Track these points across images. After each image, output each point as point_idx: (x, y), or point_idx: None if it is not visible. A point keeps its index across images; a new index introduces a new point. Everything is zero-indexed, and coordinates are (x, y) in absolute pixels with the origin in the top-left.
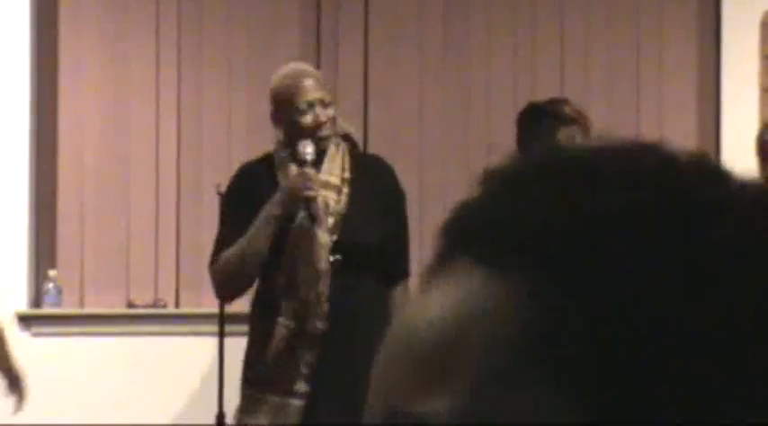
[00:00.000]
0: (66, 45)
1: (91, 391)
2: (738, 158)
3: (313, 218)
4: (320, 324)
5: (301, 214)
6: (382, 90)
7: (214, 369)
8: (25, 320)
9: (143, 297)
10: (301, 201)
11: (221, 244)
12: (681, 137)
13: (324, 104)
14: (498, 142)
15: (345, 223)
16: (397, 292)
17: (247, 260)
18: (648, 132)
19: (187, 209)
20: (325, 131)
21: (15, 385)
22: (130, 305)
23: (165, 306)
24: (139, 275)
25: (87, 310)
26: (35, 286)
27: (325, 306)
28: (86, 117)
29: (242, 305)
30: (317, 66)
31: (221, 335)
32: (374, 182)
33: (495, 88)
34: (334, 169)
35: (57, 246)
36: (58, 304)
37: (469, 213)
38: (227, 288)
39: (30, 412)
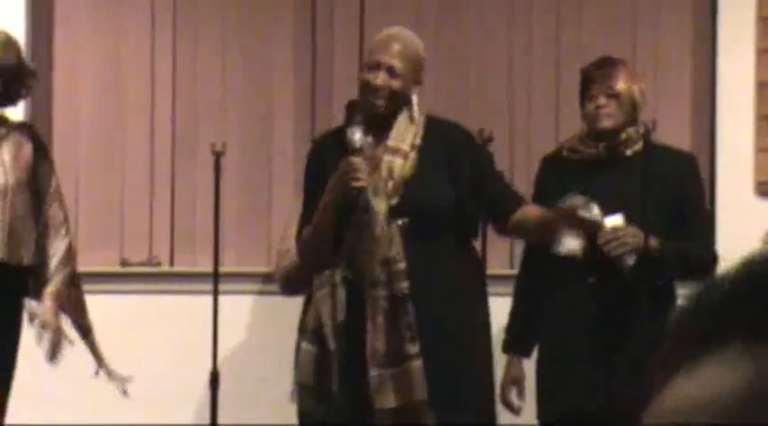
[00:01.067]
0: (61, 2)
1: (84, 350)
2: (732, 132)
3: (366, 206)
4: (404, 284)
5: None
6: None
7: (208, 328)
8: None
9: (137, 255)
10: (349, 191)
11: (302, 218)
12: (675, 119)
13: (392, 73)
14: (493, 117)
15: (408, 187)
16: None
17: (319, 241)
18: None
19: (182, 168)
20: (378, 100)
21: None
22: (124, 263)
23: (159, 265)
24: (134, 233)
25: (81, 268)
26: None
27: (401, 266)
28: (81, 75)
29: (235, 262)
30: (313, 33)
31: (215, 294)
32: (445, 149)
33: (489, 49)
34: (407, 136)
35: None
36: None
37: (738, 294)
38: (309, 261)
39: (21, 369)
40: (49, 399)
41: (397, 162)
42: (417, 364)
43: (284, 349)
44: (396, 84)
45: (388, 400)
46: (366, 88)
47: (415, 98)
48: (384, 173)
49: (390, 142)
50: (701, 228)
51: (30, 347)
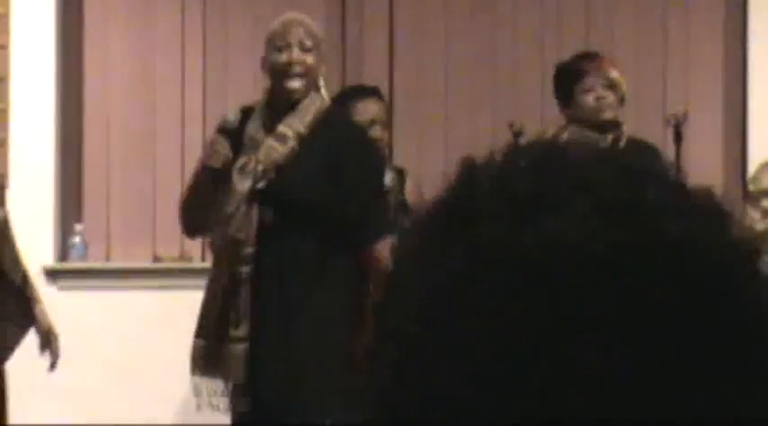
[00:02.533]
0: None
1: (117, 345)
2: (764, 122)
3: (223, 180)
4: (245, 268)
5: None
6: (408, 42)
7: None
8: (51, 274)
9: (169, 250)
10: (209, 163)
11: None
12: (708, 112)
13: (304, 48)
14: (524, 111)
15: (278, 174)
16: (379, 248)
17: (196, 206)
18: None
19: None
20: (294, 79)
21: (48, 343)
22: (156, 259)
23: (190, 260)
24: (165, 229)
25: (113, 264)
26: (61, 240)
27: (246, 251)
28: (112, 69)
29: None
30: (342, 18)
31: None
32: (331, 143)
33: (521, 42)
34: (294, 123)
35: (83, 200)
36: (84, 258)
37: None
38: (186, 222)
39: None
40: (80, 391)
41: (276, 147)
42: (238, 347)
43: None
44: (309, 59)
45: (212, 372)
46: (280, 68)
47: (321, 81)
48: (261, 155)
49: (280, 127)
50: None
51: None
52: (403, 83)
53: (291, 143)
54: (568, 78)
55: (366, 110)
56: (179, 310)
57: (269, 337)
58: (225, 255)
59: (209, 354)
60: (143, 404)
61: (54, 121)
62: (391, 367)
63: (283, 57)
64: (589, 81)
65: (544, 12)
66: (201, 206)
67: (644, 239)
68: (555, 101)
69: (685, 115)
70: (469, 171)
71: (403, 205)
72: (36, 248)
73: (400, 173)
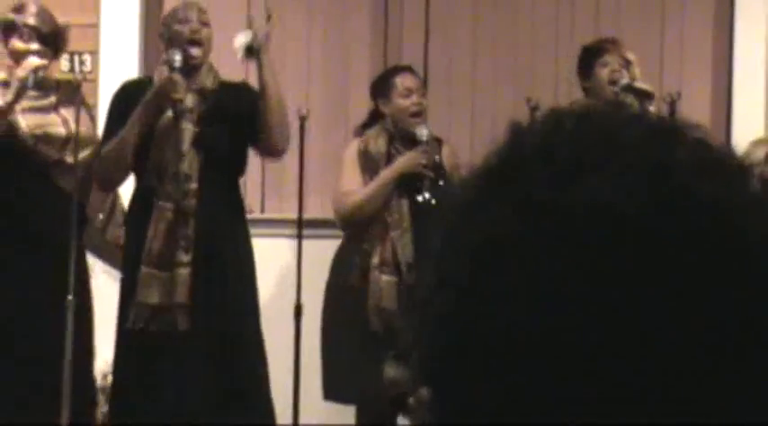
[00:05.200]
0: None
1: None
2: (747, 113)
3: (177, 116)
4: (191, 201)
5: (168, 113)
6: (441, 29)
7: (293, 267)
8: None
9: None
10: (168, 101)
11: (104, 141)
12: (697, 92)
13: (203, 21)
14: (540, 89)
15: (206, 121)
16: None
17: (121, 149)
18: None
19: None
20: (195, 47)
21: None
22: None
23: (252, 212)
24: None
25: None
26: None
27: (192, 186)
28: None
29: (318, 210)
30: (385, 14)
31: (300, 237)
32: (235, 98)
33: (538, 29)
34: (208, 80)
35: None
36: None
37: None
38: (105, 175)
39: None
40: None
41: (199, 99)
42: (185, 271)
43: None
44: (206, 31)
45: (151, 296)
46: (183, 35)
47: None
48: (190, 105)
49: (198, 81)
50: None
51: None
52: (436, 64)
53: (211, 97)
54: (590, 54)
55: (403, 83)
56: None
57: (209, 263)
58: (172, 190)
59: (151, 278)
60: None
61: None
62: (445, 310)
63: (185, 28)
64: (607, 57)
65: (558, 2)
66: (129, 152)
67: (674, 197)
68: (568, 79)
69: (679, 94)
70: (516, 135)
71: (439, 168)
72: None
73: (438, 141)
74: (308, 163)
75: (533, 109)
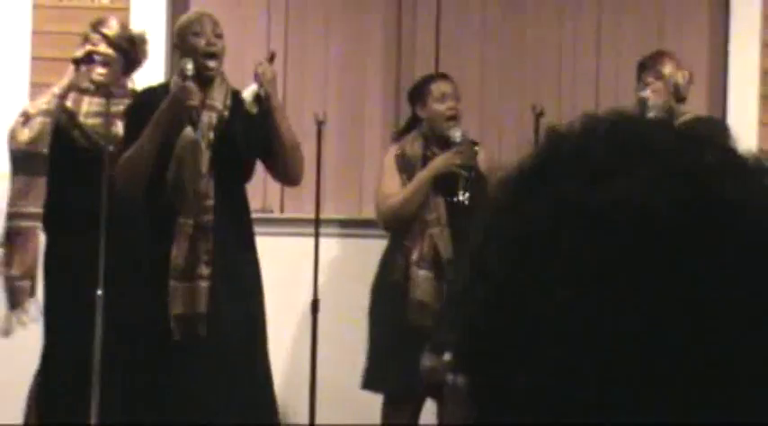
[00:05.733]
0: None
1: None
2: (740, 120)
3: (194, 126)
4: (209, 217)
5: (187, 129)
6: (451, 40)
7: (310, 264)
8: None
9: (254, 203)
10: (183, 110)
11: (122, 152)
12: (693, 99)
13: (217, 34)
14: (545, 96)
15: (225, 138)
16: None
17: (139, 157)
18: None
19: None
20: (211, 60)
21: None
22: None
23: (272, 212)
24: (251, 186)
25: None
26: None
27: (209, 203)
28: None
29: (334, 210)
30: (398, 21)
31: (317, 236)
32: (248, 118)
33: (543, 41)
34: (219, 96)
35: None
36: None
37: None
38: (124, 181)
39: None
40: None
41: (214, 116)
42: (205, 284)
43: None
44: (220, 43)
45: (176, 307)
46: (199, 48)
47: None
48: (205, 124)
49: (208, 100)
50: None
51: None
52: (446, 71)
53: (226, 113)
54: (640, 68)
55: (438, 89)
56: (262, 252)
57: (229, 275)
58: (190, 207)
59: (174, 292)
60: None
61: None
62: (483, 301)
63: (200, 40)
64: (644, 73)
65: (561, 15)
66: (148, 160)
67: (703, 198)
68: (569, 86)
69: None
70: (553, 138)
71: (473, 169)
72: None
73: (474, 144)
74: (325, 165)
75: (538, 115)
